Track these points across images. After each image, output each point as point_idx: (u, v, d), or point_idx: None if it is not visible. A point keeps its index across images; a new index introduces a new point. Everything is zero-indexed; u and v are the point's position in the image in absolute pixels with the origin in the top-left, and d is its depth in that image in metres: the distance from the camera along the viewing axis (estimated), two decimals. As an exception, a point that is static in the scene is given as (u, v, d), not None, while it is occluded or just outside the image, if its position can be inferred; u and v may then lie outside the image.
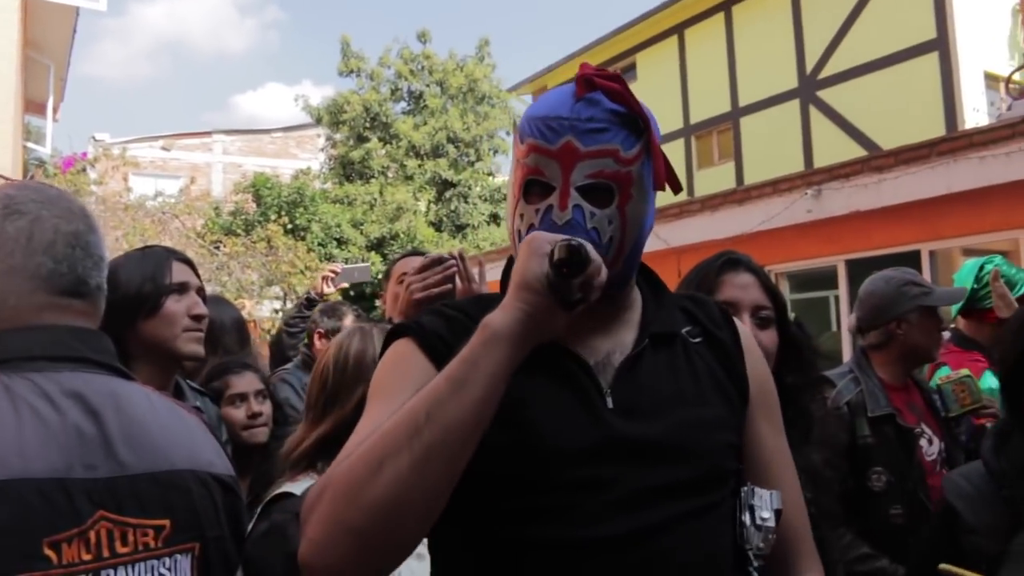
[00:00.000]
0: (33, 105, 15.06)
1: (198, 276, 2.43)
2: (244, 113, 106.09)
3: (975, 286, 3.63)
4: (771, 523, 1.30)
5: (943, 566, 1.65)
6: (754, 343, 1.52)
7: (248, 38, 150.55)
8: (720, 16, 17.71)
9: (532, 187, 1.33)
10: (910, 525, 2.55)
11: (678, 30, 18.64)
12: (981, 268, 3.62)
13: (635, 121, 1.33)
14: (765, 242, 9.35)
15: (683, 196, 15.17)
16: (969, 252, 8.35)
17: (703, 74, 18.16)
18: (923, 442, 2.73)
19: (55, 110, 15.19)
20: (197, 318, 2.31)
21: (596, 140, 1.29)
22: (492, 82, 22.49)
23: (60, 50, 13.80)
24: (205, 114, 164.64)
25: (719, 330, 1.46)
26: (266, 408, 3.02)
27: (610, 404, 1.29)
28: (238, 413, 2.93)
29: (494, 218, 21.01)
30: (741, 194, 10.07)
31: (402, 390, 1.22)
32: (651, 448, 1.27)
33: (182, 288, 2.31)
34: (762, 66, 16.67)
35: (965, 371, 3.06)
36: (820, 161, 12.31)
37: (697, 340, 1.43)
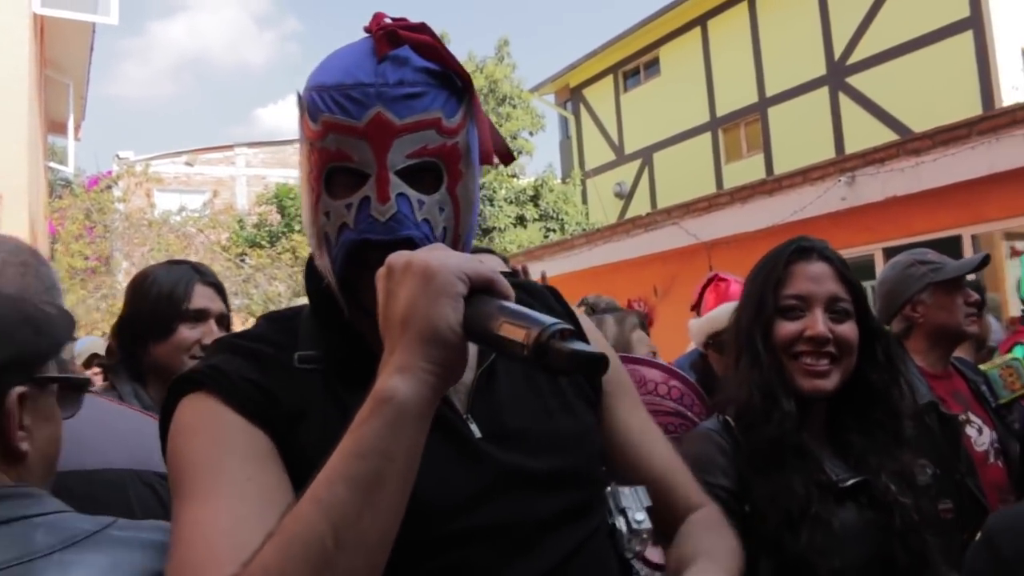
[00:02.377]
0: (55, 125, 15.14)
1: (225, 300, 2.32)
2: (267, 125, 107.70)
3: None
4: (647, 524, 1.18)
5: None
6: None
7: (268, 51, 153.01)
8: (744, 5, 17.47)
9: (336, 176, 1.07)
10: (961, 520, 2.38)
11: (701, 21, 18.41)
12: None
13: (453, 80, 1.09)
14: (798, 233, 9.02)
15: (712, 189, 14.95)
16: (1011, 235, 8.07)
17: (728, 66, 17.91)
18: (971, 432, 2.61)
19: (76, 129, 15.25)
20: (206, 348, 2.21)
21: (412, 108, 1.04)
22: (513, 82, 22.33)
23: (78, 69, 13.86)
24: (228, 128, 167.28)
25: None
26: None
27: (477, 432, 1.08)
28: None
29: (520, 220, 20.84)
30: (772, 184, 9.80)
31: (224, 465, 0.97)
32: (536, 476, 1.09)
33: (199, 315, 2.19)
34: (788, 54, 16.41)
35: (1011, 354, 2.96)
36: (852, 149, 12.00)
37: None
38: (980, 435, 2.62)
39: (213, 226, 17.66)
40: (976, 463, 2.53)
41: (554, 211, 20.49)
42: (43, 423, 1.11)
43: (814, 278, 1.81)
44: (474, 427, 1.09)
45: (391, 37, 1.05)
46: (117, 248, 16.60)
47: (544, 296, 1.31)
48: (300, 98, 1.11)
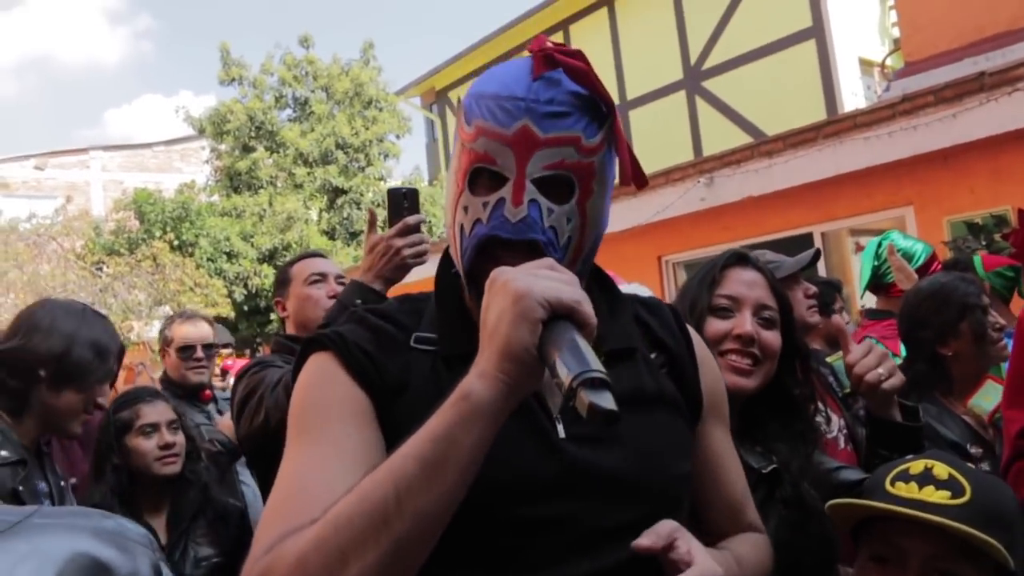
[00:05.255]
0: None
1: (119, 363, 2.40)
2: (120, 127, 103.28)
3: (876, 263, 3.74)
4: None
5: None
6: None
7: (120, 50, 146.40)
8: (604, 11, 17.81)
9: (480, 176, 1.18)
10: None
11: (563, 26, 18.67)
12: (879, 245, 3.74)
13: (598, 106, 1.19)
14: (661, 232, 9.35)
15: (577, 191, 15.18)
16: (856, 232, 8.53)
17: (590, 69, 18.23)
18: (819, 419, 2.69)
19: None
20: (98, 407, 2.31)
21: (556, 126, 1.14)
22: (379, 85, 22.14)
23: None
24: (79, 131, 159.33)
25: (672, 339, 1.33)
26: (179, 439, 2.88)
27: (561, 432, 1.14)
28: (149, 444, 2.78)
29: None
30: (634, 185, 10.03)
31: (330, 421, 1.12)
32: (611, 482, 1.14)
33: (111, 377, 2.31)
34: (647, 59, 16.83)
35: None
36: (709, 150, 12.44)
37: (652, 355, 1.29)
38: (829, 424, 2.68)
39: (67, 233, 16.84)
40: (828, 450, 2.65)
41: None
42: None
43: (747, 283, 1.91)
44: (560, 427, 1.15)
45: (548, 59, 1.16)
46: (-41, 258, 15.64)
47: (663, 314, 1.38)
48: (460, 102, 1.23)
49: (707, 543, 1.36)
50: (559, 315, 0.95)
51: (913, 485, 1.50)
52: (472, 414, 0.94)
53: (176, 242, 17.48)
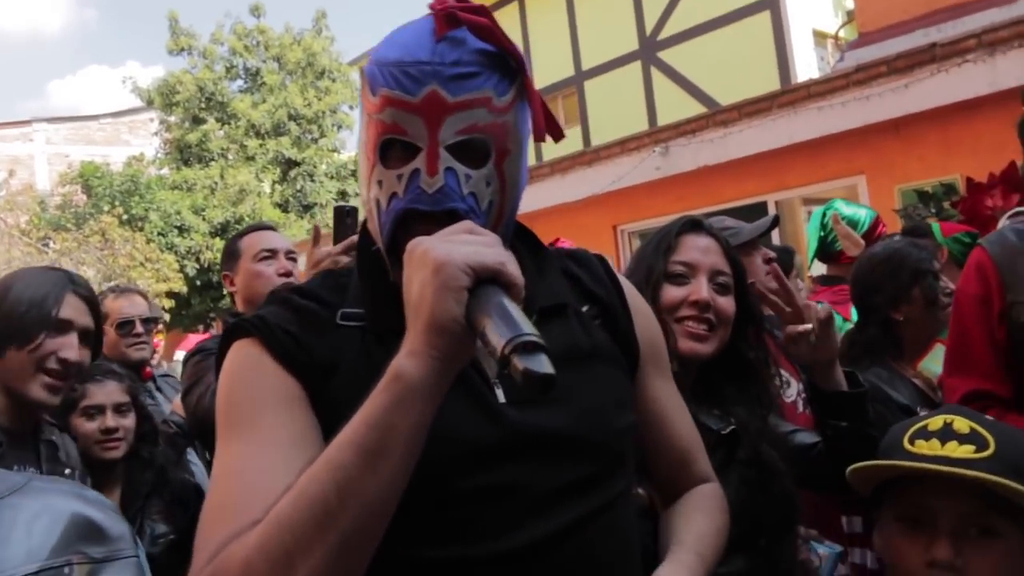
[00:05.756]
0: None
1: (96, 316, 2.19)
2: (64, 99, 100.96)
3: (822, 233, 3.79)
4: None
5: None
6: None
7: (63, 17, 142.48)
8: (559, -19, 17.73)
9: (391, 148, 1.13)
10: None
11: (518, -4, 18.57)
12: (823, 216, 3.79)
13: (506, 62, 1.13)
14: (616, 202, 9.38)
15: (531, 161, 15.18)
16: (810, 201, 8.63)
17: (546, 40, 18.16)
18: (777, 383, 2.72)
19: None
20: (63, 363, 2.07)
21: (465, 88, 1.09)
22: (332, 55, 21.86)
23: None
24: (21, 103, 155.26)
25: (604, 290, 1.30)
26: (127, 422, 2.73)
27: (501, 397, 1.13)
28: (90, 426, 2.64)
29: (342, 196, 20.53)
30: (590, 155, 10.03)
31: (261, 412, 1.07)
32: (556, 442, 1.12)
33: (63, 326, 2.07)
34: (603, 30, 16.80)
35: None
36: (664, 121, 12.46)
37: (584, 308, 1.25)
38: (788, 388, 2.70)
39: (10, 208, 16.46)
40: (787, 414, 2.63)
41: (377, 185, 20.27)
42: None
43: (702, 249, 1.91)
44: (500, 392, 1.13)
45: (450, 18, 1.10)
46: None
47: (591, 265, 1.35)
48: (363, 71, 1.16)
49: (660, 496, 1.39)
50: (484, 279, 0.91)
51: (935, 442, 1.47)
52: (406, 395, 0.90)
53: (125, 216, 17.14)
